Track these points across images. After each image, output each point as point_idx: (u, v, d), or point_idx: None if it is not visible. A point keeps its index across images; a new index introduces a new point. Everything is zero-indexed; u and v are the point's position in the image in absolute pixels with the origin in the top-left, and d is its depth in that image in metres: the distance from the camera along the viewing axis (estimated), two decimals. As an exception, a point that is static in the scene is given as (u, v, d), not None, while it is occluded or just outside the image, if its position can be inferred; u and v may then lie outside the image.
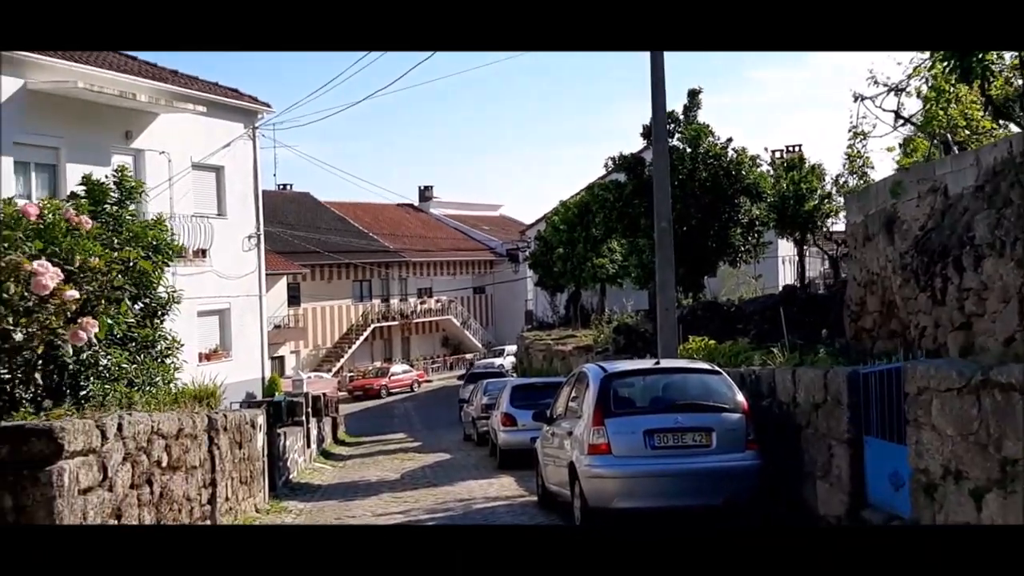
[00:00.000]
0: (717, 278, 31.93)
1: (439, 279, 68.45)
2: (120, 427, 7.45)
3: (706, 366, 12.08)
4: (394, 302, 63.55)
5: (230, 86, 26.56)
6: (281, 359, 50.86)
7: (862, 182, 22.58)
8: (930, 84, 16.43)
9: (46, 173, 19.90)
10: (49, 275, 5.81)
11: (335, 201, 67.20)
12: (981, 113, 15.52)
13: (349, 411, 43.59)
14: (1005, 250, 9.89)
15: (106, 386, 10.99)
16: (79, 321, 5.93)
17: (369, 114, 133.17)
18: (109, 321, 6.62)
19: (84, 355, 11.21)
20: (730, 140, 27.12)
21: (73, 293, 6.14)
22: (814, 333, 16.67)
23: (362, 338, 59.32)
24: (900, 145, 19.33)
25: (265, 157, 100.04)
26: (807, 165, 29.49)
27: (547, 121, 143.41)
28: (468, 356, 65.73)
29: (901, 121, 19.09)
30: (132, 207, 11.92)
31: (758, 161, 27.62)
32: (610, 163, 27.99)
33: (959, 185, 11.51)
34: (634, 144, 31.46)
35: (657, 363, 12.49)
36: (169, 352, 12.25)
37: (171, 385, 11.92)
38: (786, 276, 45.19)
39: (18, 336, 5.95)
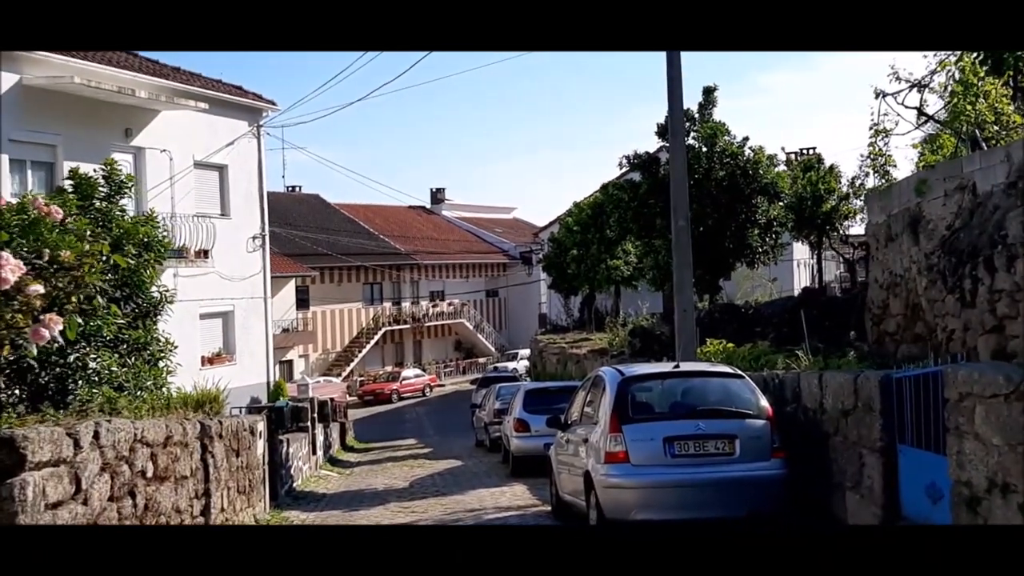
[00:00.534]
0: (732, 281, 31.39)
1: (451, 282, 67.96)
2: (97, 435, 6.88)
3: (728, 370, 11.49)
4: (405, 305, 63.09)
5: (234, 83, 26.06)
6: (290, 363, 50.44)
7: (884, 181, 21.97)
8: (957, 78, 15.94)
9: (43, 171, 19.41)
10: (9, 268, 5.23)
11: (345, 203, 66.83)
12: (1011, 107, 14.99)
13: (359, 416, 43.17)
14: (1040, 249, 9.34)
15: (93, 390, 10.50)
16: (42, 318, 5.35)
17: (380, 117, 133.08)
18: (79, 320, 6.00)
19: (71, 358, 10.76)
20: (746, 139, 26.50)
21: (37, 288, 5.56)
22: (835, 336, 16.23)
23: (373, 342, 58.83)
24: (925, 142, 18.71)
25: (274, 159, 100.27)
26: (824, 166, 28.97)
27: (562, 124, 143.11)
28: (481, 360, 65.29)
29: (924, 118, 18.56)
30: (123, 202, 11.37)
31: (775, 160, 26.95)
32: (624, 162, 27.31)
33: (988, 182, 11.02)
34: (649, 144, 30.87)
35: (676, 367, 11.90)
36: (162, 355, 11.72)
37: (163, 389, 11.39)
38: (801, 279, 44.69)
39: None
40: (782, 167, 27.71)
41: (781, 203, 26.75)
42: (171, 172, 22.91)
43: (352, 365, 57.01)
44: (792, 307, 20.36)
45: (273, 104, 27.12)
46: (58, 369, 10.77)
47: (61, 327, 5.49)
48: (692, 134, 25.86)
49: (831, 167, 28.76)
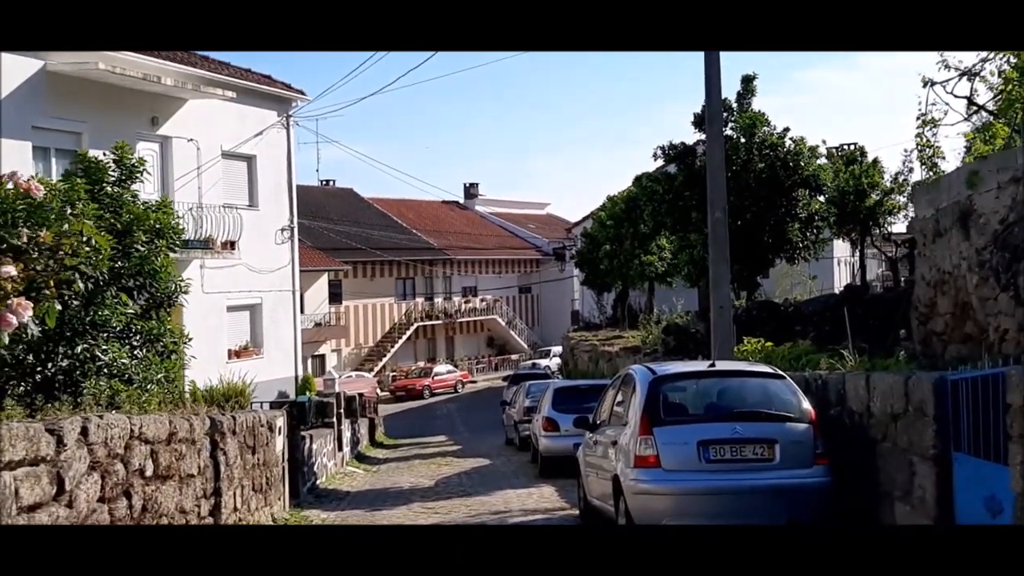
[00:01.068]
0: (770, 279, 30.63)
1: (484, 277, 67.51)
2: (85, 431, 6.38)
3: (767, 369, 10.84)
4: (438, 301, 62.70)
5: (263, 72, 25.63)
6: (322, 358, 50.24)
7: (931, 174, 21.18)
8: (1012, 63, 15.24)
9: (67, 159, 19.02)
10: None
11: (378, 197, 66.57)
12: (1070, 94, 14.29)
13: (391, 412, 42.88)
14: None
15: (101, 383, 10.06)
16: (10, 302, 4.86)
17: (414, 110, 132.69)
18: (59, 306, 5.51)
19: (79, 348, 10.33)
20: (787, 130, 25.60)
21: (9, 269, 5.07)
22: (880, 335, 15.59)
23: (405, 337, 58.49)
24: (978, 131, 17.93)
25: (307, 153, 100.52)
26: (868, 159, 28.16)
27: (598, 119, 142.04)
28: (514, 357, 64.85)
29: (975, 108, 17.81)
30: (135, 187, 10.91)
31: (817, 152, 26.10)
32: (659, 152, 26.50)
33: (1045, 174, 10.40)
34: (684, 137, 30.12)
35: (712, 365, 11.25)
36: (175, 347, 11.27)
37: (175, 383, 10.94)
38: (842, 278, 43.79)
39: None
40: (823, 160, 26.86)
41: (823, 197, 25.94)
42: (198, 162, 22.54)
43: (384, 360, 56.72)
44: (834, 305, 19.70)
45: (303, 94, 26.69)
46: (66, 361, 10.39)
47: (31, 313, 4.98)
48: (730, 124, 25.07)
49: (875, 160, 27.98)
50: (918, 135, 19.53)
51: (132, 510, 7.36)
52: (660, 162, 28.03)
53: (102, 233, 8.20)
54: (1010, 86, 15.37)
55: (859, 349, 13.16)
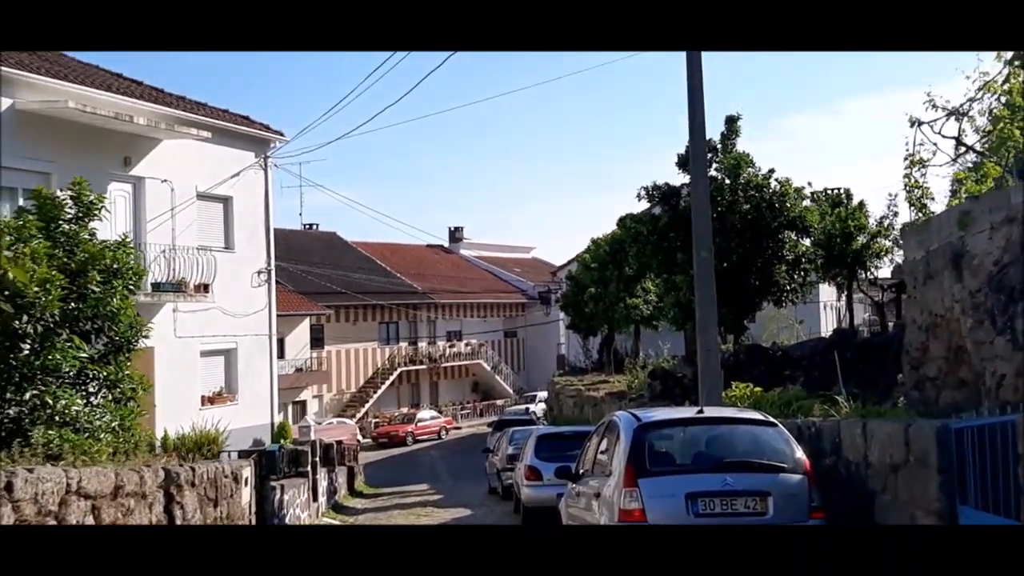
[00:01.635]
0: (756, 323, 30.23)
1: (469, 321, 66.96)
2: (10, 487, 5.81)
3: (758, 416, 10.32)
4: (422, 345, 62.12)
5: (241, 113, 25.21)
6: (303, 403, 49.44)
7: (920, 215, 20.90)
8: (1003, 101, 14.97)
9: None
10: None
11: (362, 241, 66.22)
12: (1064, 132, 14.01)
13: (373, 459, 42.09)
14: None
15: (50, 432, 9.46)
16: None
17: (398, 153, 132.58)
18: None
19: (27, 395, 9.73)
20: (772, 171, 25.39)
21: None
22: (871, 380, 15.22)
23: (388, 382, 57.79)
24: (969, 171, 17.66)
25: (291, 197, 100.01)
26: (853, 202, 27.95)
27: (583, 162, 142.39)
28: (499, 402, 64.12)
29: (963, 148, 17.56)
30: (92, 225, 10.38)
31: (803, 194, 25.84)
32: (643, 193, 26.20)
33: (1040, 213, 10.06)
34: (669, 179, 29.87)
35: (700, 412, 10.72)
36: (133, 393, 10.68)
37: (131, 431, 10.33)
38: (828, 322, 43.54)
39: None
40: (808, 202, 26.63)
41: (809, 239, 25.64)
42: (172, 203, 22.02)
43: (367, 406, 55.95)
44: (824, 349, 19.45)
45: (281, 135, 26.27)
46: (14, 409, 9.79)
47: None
48: (715, 165, 24.85)
49: (860, 203, 27.80)
50: (906, 175, 19.21)
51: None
52: (645, 203, 27.79)
53: (53, 272, 7.66)
54: (1000, 124, 15.08)
55: (852, 395, 12.70)
